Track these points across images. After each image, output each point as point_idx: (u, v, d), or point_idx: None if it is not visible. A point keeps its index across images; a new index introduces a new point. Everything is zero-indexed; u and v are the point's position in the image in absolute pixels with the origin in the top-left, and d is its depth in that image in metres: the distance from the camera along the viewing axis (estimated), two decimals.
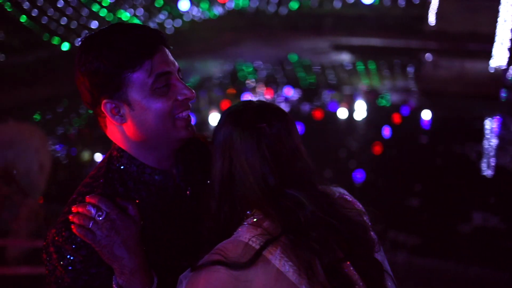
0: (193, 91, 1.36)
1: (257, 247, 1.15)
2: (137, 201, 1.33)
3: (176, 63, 1.36)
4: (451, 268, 5.02)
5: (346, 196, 1.40)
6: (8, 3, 17.11)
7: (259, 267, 1.13)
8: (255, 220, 1.25)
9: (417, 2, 24.73)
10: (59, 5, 19.60)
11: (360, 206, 1.41)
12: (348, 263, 1.23)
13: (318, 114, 11.97)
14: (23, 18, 18.00)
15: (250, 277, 1.12)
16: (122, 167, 1.35)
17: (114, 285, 1.23)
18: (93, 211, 1.20)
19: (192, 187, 1.47)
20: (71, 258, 1.21)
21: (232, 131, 1.29)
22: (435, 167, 8.27)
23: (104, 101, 1.28)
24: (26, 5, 18.40)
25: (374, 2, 25.66)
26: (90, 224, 1.19)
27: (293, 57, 20.18)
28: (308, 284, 1.14)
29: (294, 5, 26.93)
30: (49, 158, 6.37)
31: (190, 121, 1.38)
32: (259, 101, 1.38)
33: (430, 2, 22.95)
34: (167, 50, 1.34)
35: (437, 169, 8.19)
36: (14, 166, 5.77)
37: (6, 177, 5.65)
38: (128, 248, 1.21)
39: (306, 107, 12.31)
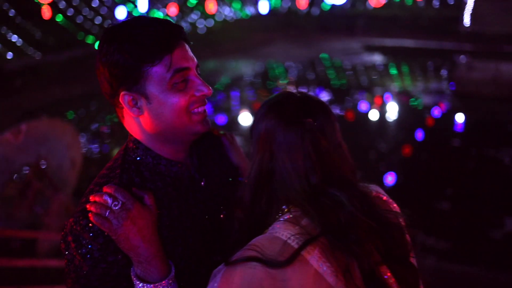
0: (210, 87, 1.35)
1: (296, 246, 1.12)
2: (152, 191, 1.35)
3: (195, 59, 1.36)
4: (480, 274, 4.92)
5: (382, 195, 1.36)
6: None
7: (296, 267, 1.10)
8: (291, 216, 1.21)
9: (452, 3, 24.32)
10: (94, 5, 19.98)
11: (396, 206, 1.36)
12: (384, 266, 1.20)
13: (348, 115, 11.89)
14: (59, 18, 18.40)
15: (287, 276, 1.09)
16: (138, 158, 1.37)
17: (132, 276, 1.24)
18: (109, 200, 1.21)
19: (207, 179, 1.49)
20: (89, 246, 1.22)
21: (275, 124, 1.25)
22: (467, 171, 8.12)
23: (122, 92, 1.29)
24: (62, 4, 18.80)
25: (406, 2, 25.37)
26: (107, 213, 1.20)
27: (325, 58, 20.09)
28: (345, 287, 1.11)
29: (326, 6, 26.80)
30: (80, 154, 6.50)
31: (206, 115, 1.38)
32: (301, 93, 1.33)
33: (465, 3, 22.55)
34: (187, 45, 1.35)
35: (469, 173, 8.04)
36: (46, 161, 5.90)
37: (39, 172, 5.78)
38: (144, 237, 1.22)
39: (336, 108, 12.24)
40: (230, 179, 1.59)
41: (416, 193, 7.07)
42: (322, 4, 26.73)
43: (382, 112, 12.11)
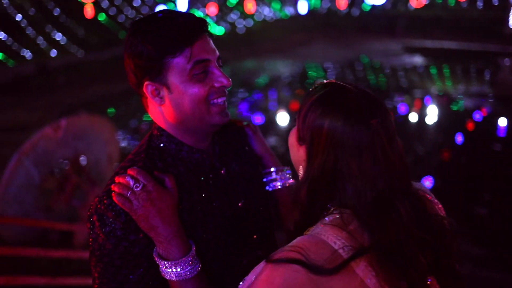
0: (230, 79, 1.40)
1: (345, 256, 1.07)
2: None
3: (217, 51, 1.41)
4: None
5: (428, 195, 1.31)
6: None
7: (342, 276, 1.06)
8: (338, 217, 1.15)
9: (497, 4, 23.69)
10: (135, 4, 20.34)
11: (441, 207, 1.32)
12: (431, 277, 1.16)
13: None
14: (102, 17, 18.79)
15: (331, 284, 1.05)
16: (161, 145, 1.44)
17: (154, 255, 1.30)
18: (131, 182, 1.28)
19: (227, 167, 1.53)
20: (112, 225, 1.29)
21: (343, 124, 1.14)
22: (507, 176, 7.91)
23: (146, 82, 1.36)
24: (104, 4, 19.20)
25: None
26: (128, 194, 1.27)
27: (364, 59, 19.88)
28: None
29: (366, 6, 26.51)
30: (117, 150, 6.62)
31: (225, 107, 1.43)
32: (356, 87, 1.22)
33: (511, 4, 21.93)
34: (209, 38, 1.40)
35: (509, 178, 7.82)
36: (84, 156, 6.03)
37: (77, 167, 5.91)
38: (163, 218, 1.27)
39: None
40: (252, 169, 1.64)
41: (453, 198, 6.93)
42: (363, 5, 26.45)
43: (422, 115, 11.90)
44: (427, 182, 7.51)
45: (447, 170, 8.35)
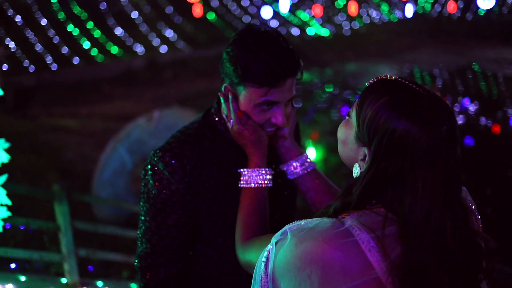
0: (286, 122, 1.60)
1: (379, 272, 1.06)
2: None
3: (293, 92, 1.60)
4: None
5: (471, 204, 1.25)
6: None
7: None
8: (380, 219, 1.11)
9: None
10: (243, 4, 20.77)
11: (479, 218, 1.25)
12: None
13: (495, 129, 11.10)
14: (211, 16, 19.42)
15: None
16: (214, 123, 1.73)
17: (241, 171, 1.63)
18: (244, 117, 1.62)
19: None
20: (161, 175, 1.61)
21: (419, 132, 1.07)
22: None
23: (226, 84, 1.62)
24: (214, 3, 19.82)
25: None
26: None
27: (475, 66, 18.86)
28: None
29: (481, 11, 25.03)
30: None
31: (272, 131, 1.67)
32: (423, 88, 1.15)
33: None
34: (292, 79, 1.58)
35: None
36: None
37: None
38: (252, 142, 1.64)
39: (482, 120, 11.50)
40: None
41: None
42: (479, 10, 25.01)
43: None
44: None
45: None
